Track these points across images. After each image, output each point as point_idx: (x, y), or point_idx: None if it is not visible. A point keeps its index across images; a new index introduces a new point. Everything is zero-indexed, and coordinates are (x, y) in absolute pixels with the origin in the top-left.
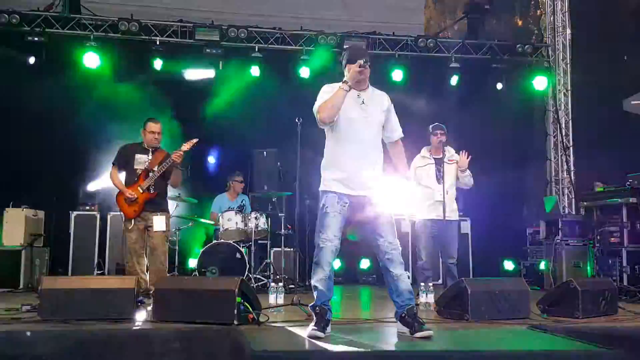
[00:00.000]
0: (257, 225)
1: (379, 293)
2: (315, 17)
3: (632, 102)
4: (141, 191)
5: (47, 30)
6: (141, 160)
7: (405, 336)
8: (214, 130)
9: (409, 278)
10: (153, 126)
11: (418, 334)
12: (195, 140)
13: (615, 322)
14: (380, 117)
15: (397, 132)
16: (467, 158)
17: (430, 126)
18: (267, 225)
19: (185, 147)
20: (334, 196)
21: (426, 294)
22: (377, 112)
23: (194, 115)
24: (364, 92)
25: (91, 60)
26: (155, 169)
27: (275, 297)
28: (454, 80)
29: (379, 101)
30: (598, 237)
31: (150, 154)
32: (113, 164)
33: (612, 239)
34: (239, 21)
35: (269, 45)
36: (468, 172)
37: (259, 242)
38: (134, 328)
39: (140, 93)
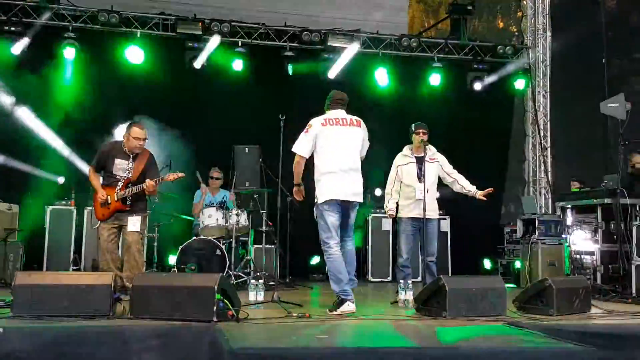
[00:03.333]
0: (238, 222)
1: (359, 290)
2: (300, 14)
3: (609, 105)
4: (115, 199)
5: (24, 20)
6: (121, 166)
7: (383, 333)
8: (195, 125)
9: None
10: (139, 132)
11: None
12: (181, 175)
13: (589, 320)
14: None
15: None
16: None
17: (413, 125)
18: (248, 221)
19: (169, 177)
20: None
21: (405, 291)
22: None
23: (175, 111)
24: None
25: (70, 52)
26: (133, 187)
27: (255, 294)
28: (436, 79)
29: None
30: (573, 237)
31: (132, 160)
32: (91, 164)
33: (587, 238)
34: (222, 15)
35: (253, 41)
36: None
37: (240, 238)
38: (111, 325)
39: (119, 86)
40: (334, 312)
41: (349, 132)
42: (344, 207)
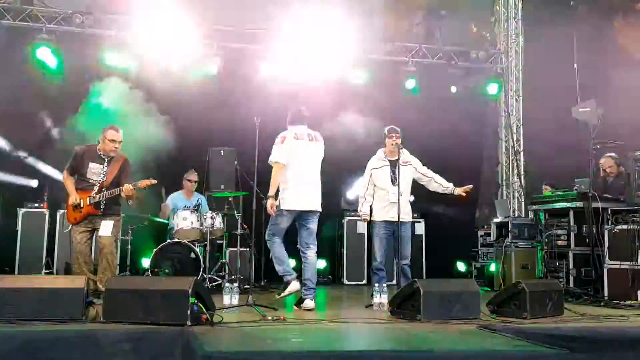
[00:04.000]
0: (212, 225)
1: (334, 293)
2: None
3: (580, 109)
4: (88, 203)
5: None
6: (95, 170)
7: (358, 336)
8: (170, 127)
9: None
10: (114, 134)
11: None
12: (153, 182)
13: (561, 323)
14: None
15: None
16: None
17: (386, 128)
18: (223, 225)
19: (141, 184)
20: None
21: (380, 295)
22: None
23: (149, 113)
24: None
25: (43, 53)
26: (107, 192)
27: (230, 298)
28: (411, 83)
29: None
30: (546, 240)
31: (106, 164)
32: (65, 168)
33: (560, 241)
34: (198, 17)
35: (227, 44)
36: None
37: (215, 241)
38: (84, 329)
39: (93, 88)
40: (282, 294)
41: (314, 148)
42: (304, 215)
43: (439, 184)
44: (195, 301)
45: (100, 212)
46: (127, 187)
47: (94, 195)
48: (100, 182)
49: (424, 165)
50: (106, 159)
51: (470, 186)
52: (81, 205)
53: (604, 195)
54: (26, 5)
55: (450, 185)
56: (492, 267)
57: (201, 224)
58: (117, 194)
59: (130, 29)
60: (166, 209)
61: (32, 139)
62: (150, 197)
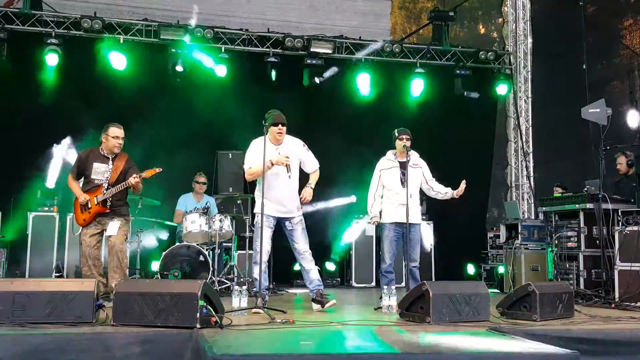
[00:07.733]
0: (221, 228)
1: (343, 296)
2: (283, 20)
3: (590, 110)
4: (95, 202)
5: (7, 26)
6: (100, 170)
7: (367, 339)
8: (179, 130)
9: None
10: (117, 131)
11: (326, 306)
12: (158, 170)
13: (572, 325)
14: (295, 161)
15: (312, 166)
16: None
17: (396, 130)
18: (232, 227)
19: (146, 174)
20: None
21: (389, 297)
22: (292, 157)
23: (158, 116)
24: (280, 145)
25: (52, 58)
26: (113, 188)
27: (239, 300)
28: (419, 85)
29: (292, 149)
30: (556, 242)
31: (111, 162)
32: (70, 173)
33: (570, 243)
34: (205, 21)
35: (236, 47)
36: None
37: (223, 244)
38: (93, 332)
39: (102, 93)
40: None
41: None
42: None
43: (437, 191)
44: (204, 304)
45: (107, 209)
46: (132, 180)
47: (105, 191)
48: (106, 180)
49: (434, 168)
50: (110, 157)
51: (464, 184)
52: (89, 205)
53: (614, 196)
54: (36, 11)
55: (449, 189)
56: (502, 269)
57: (210, 227)
58: (124, 187)
59: (138, 33)
60: (180, 213)
61: (50, 141)
62: (164, 202)
